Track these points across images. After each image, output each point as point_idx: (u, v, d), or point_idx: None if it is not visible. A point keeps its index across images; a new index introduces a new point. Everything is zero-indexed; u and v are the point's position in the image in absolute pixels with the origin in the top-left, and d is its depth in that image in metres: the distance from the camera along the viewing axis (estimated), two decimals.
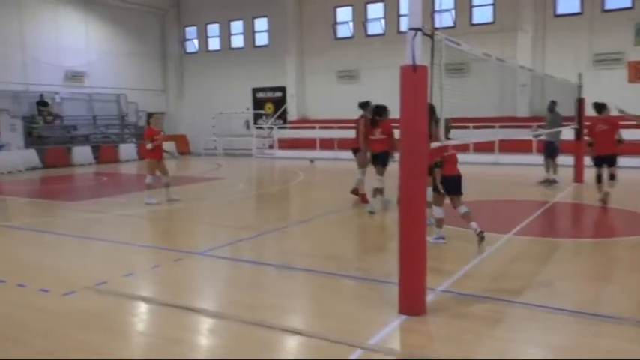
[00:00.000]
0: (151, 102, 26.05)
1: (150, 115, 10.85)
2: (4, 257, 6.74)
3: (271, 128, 24.28)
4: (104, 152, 22.02)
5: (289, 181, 14.59)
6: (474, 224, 6.55)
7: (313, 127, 22.82)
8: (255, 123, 25.56)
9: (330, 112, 23.59)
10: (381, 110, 9.28)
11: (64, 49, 22.93)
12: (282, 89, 25.14)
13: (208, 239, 7.58)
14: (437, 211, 6.76)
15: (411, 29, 4.19)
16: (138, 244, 7.26)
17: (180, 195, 11.39)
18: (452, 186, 6.56)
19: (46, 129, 21.49)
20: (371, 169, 9.85)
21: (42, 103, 21.45)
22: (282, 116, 24.90)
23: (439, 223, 6.76)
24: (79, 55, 23.61)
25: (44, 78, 22.06)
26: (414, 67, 4.16)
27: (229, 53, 26.64)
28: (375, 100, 11.63)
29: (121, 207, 10.53)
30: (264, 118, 25.37)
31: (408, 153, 4.33)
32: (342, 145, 21.17)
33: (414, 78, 4.20)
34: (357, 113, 11.14)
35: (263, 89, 25.75)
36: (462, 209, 6.61)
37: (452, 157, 6.65)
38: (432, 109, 5.25)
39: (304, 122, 24.20)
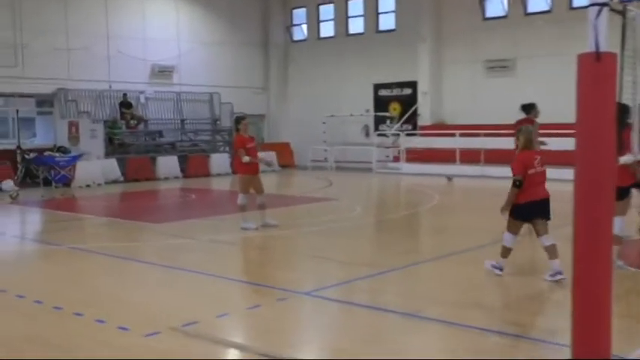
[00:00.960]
0: (249, 102, 27.19)
1: (238, 120, 11.14)
2: (81, 286, 7.37)
3: (397, 135, 24.32)
4: (192, 163, 23.40)
5: (420, 205, 14.52)
6: (556, 263, 7.00)
7: (452, 135, 22.47)
8: (376, 129, 25.77)
9: (474, 114, 23.10)
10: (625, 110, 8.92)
11: (151, 41, 24.71)
12: (413, 85, 25.12)
13: (316, 276, 7.75)
14: (507, 238, 7.32)
15: (593, 4, 4.02)
16: (232, 277, 7.58)
17: (282, 219, 11.73)
18: (537, 210, 7.13)
19: (129, 135, 23.28)
20: None
21: (125, 105, 23.31)
22: (412, 120, 24.84)
23: (505, 252, 7.32)
24: (168, 46, 25.31)
25: (128, 74, 23.87)
26: (598, 55, 3.97)
27: (346, 41, 27.20)
28: (536, 99, 11.28)
29: (212, 231, 11.05)
30: (388, 122, 25.47)
31: (589, 170, 4.12)
32: (493, 157, 20.58)
33: (597, 69, 4.01)
34: (511, 116, 10.83)
35: (388, 86, 25.92)
36: (547, 240, 7.11)
37: (540, 175, 7.15)
38: (622, 111, 4.99)
39: (440, 128, 23.94)
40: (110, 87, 23.42)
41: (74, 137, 20.65)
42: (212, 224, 11.87)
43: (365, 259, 8.68)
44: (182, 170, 22.98)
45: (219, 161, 24.09)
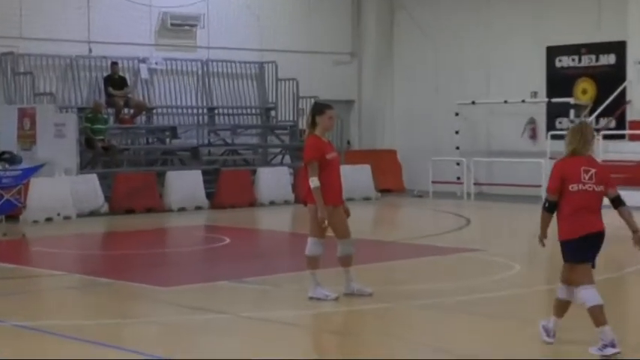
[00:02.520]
0: (327, 79, 27.39)
1: (318, 109, 10.97)
2: None
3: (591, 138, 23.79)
4: (227, 184, 23.51)
5: (629, 263, 14.13)
6: (607, 330, 7.85)
7: None
8: (550, 127, 25.40)
9: None
10: None
11: None
12: (619, 49, 24.79)
13: None
14: (560, 288, 8.42)
15: None
16: None
17: (380, 283, 11.67)
18: (581, 248, 8.09)
19: (120, 134, 23.67)
20: None
21: (115, 82, 23.73)
22: (616, 111, 24.49)
23: (558, 307, 8.40)
24: None
25: (121, 31, 24.33)
26: None
27: None
28: None
29: (259, 302, 11.15)
30: (572, 115, 25.03)
31: None
32: None
33: None
34: None
35: (572, 50, 25.64)
36: (589, 296, 8.05)
37: (588, 196, 7.99)
38: None
39: None
40: (90, 51, 23.98)
41: (27, 136, 21.12)
42: (258, 290, 11.91)
43: (532, 356, 8.49)
44: (209, 196, 23.21)
45: (274, 180, 24.16)
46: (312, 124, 10.82)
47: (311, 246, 10.82)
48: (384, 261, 13.93)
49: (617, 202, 8.14)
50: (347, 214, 10.97)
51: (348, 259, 10.94)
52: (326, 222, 10.48)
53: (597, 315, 7.96)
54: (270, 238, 18.78)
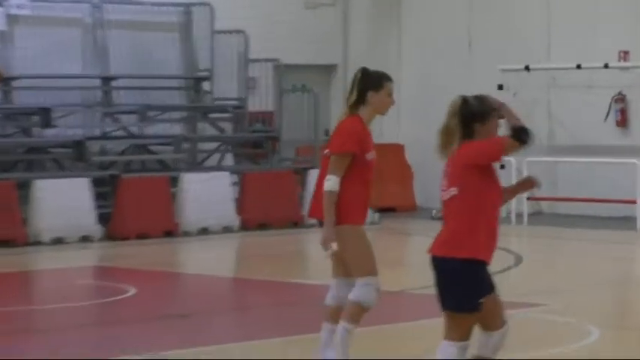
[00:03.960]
0: (295, 32, 27.50)
1: (373, 82, 10.99)
2: None
3: None
4: (131, 199, 23.70)
5: None
6: None
7: None
8: None
9: None
10: None
11: None
12: None
13: None
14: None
15: None
16: None
17: (382, 353, 11.77)
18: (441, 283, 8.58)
19: None
20: None
21: None
22: None
23: None
24: None
25: None
26: None
27: None
28: None
29: None
30: None
31: None
32: None
33: None
34: None
35: None
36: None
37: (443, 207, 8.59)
38: None
39: None
40: None
41: None
42: None
43: None
44: (103, 219, 23.39)
45: (207, 193, 24.34)
46: (359, 101, 10.79)
47: (334, 293, 10.66)
48: (387, 322, 13.83)
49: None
50: None
51: (355, 315, 10.58)
52: (334, 246, 10.27)
53: None
54: (201, 288, 18.66)
